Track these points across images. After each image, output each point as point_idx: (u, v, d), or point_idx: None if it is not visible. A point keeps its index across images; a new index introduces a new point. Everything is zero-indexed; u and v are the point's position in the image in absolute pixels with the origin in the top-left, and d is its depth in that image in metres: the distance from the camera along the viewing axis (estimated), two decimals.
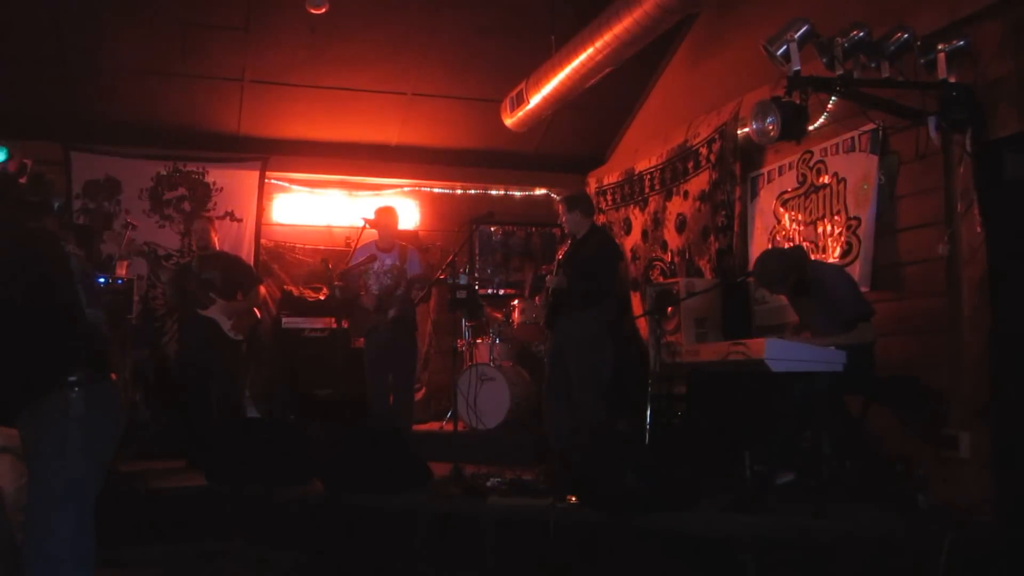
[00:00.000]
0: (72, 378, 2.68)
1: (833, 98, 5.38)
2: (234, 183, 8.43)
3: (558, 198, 6.49)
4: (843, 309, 4.84)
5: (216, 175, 8.40)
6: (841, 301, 4.86)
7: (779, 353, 4.51)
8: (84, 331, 2.83)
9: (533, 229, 9.49)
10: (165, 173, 8.29)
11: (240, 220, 8.38)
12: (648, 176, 8.02)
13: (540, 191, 8.64)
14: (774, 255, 5.22)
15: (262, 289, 7.10)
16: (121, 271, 7.51)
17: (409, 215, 9.13)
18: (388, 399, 6.66)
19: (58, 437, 2.64)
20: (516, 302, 7.86)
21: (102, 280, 7.30)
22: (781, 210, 6.29)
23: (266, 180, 8.52)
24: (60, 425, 2.64)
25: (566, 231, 6.27)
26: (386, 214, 6.80)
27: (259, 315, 6.98)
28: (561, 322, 6.08)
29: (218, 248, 7.08)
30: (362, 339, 6.81)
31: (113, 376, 2.85)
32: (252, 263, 8.18)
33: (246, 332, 6.77)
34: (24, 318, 2.67)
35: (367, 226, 6.72)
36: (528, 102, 7.59)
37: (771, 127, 4.53)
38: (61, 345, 2.73)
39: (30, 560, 2.59)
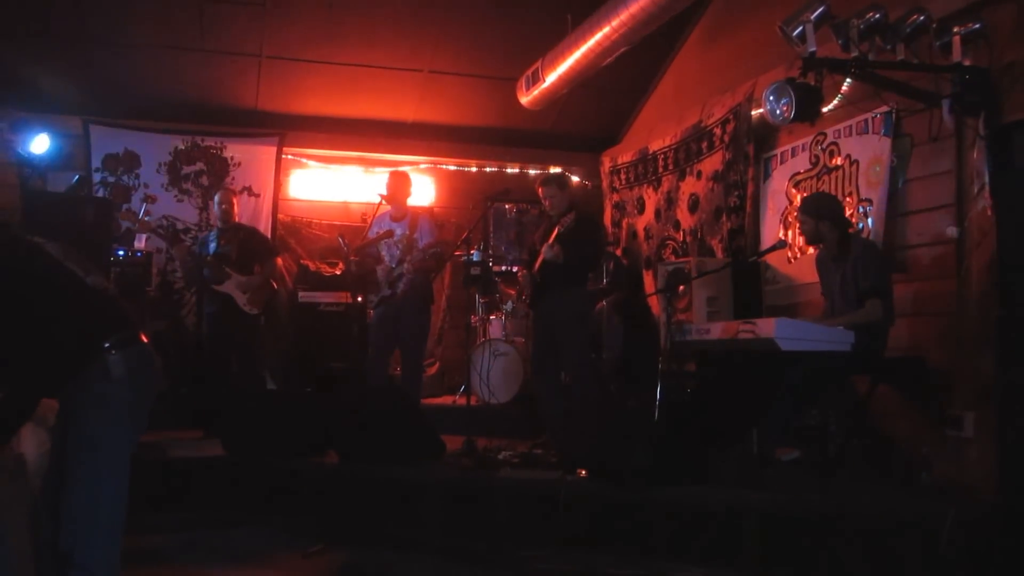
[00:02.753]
0: (107, 344, 2.74)
1: (848, 80, 5.37)
2: (252, 158, 8.49)
3: (539, 179, 6.48)
4: (861, 279, 4.86)
5: (234, 150, 8.46)
6: (863, 271, 4.86)
7: (788, 332, 4.53)
8: (97, 300, 2.87)
9: (539, 210, 9.52)
10: (183, 147, 8.36)
11: (258, 195, 8.45)
12: (662, 156, 8.04)
13: (555, 169, 8.67)
14: (832, 197, 5.46)
15: (279, 261, 7.14)
16: (140, 244, 7.61)
17: (425, 192, 9.16)
18: (387, 372, 6.69)
19: (103, 401, 2.69)
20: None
21: (121, 253, 7.40)
22: (793, 191, 6.31)
23: (283, 156, 8.58)
24: (104, 389, 2.70)
25: (550, 210, 6.22)
26: (397, 178, 6.76)
27: (275, 287, 7.04)
28: (549, 300, 6.10)
29: (236, 220, 7.11)
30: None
31: (144, 338, 2.89)
32: (270, 238, 8.25)
33: (262, 305, 6.83)
34: (34, 316, 2.71)
35: (383, 202, 6.74)
36: (544, 80, 7.60)
37: (785, 108, 4.53)
38: (83, 319, 2.77)
39: (72, 520, 2.63)
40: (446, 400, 7.86)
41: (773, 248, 5.66)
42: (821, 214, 5.05)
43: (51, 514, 2.70)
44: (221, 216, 6.98)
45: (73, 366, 2.69)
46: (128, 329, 2.84)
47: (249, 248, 6.89)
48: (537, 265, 6.13)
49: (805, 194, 6.11)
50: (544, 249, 6.05)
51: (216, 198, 7.10)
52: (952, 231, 4.79)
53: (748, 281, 6.50)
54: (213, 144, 8.43)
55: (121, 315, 2.89)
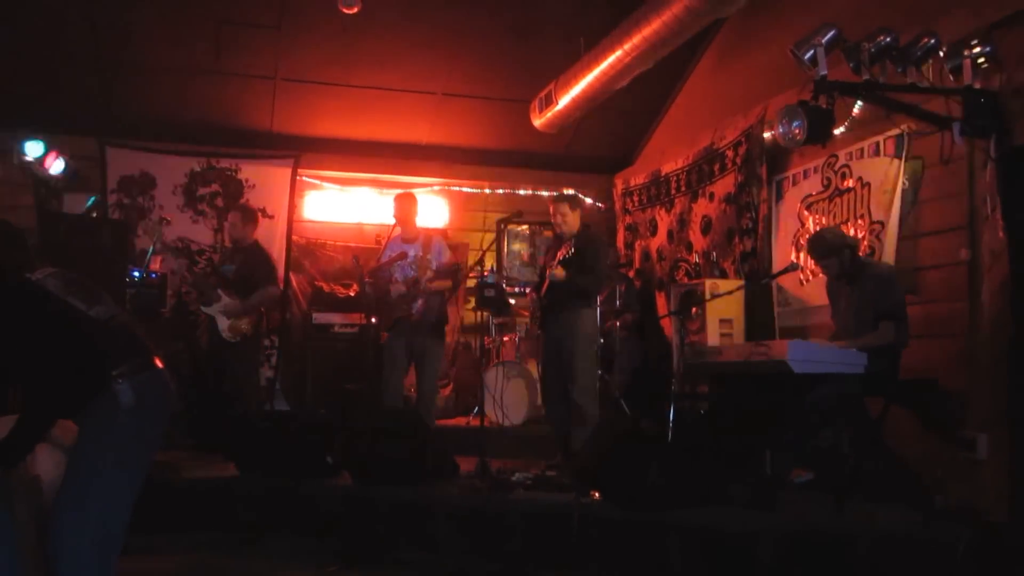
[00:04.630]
0: (116, 373, 2.82)
1: (859, 103, 5.40)
2: (266, 180, 8.53)
3: (552, 198, 6.52)
4: (876, 303, 4.87)
5: (249, 172, 8.51)
6: (878, 294, 4.88)
7: (801, 355, 4.55)
8: (101, 331, 2.93)
9: (554, 232, 9.54)
10: (199, 169, 8.42)
11: (272, 217, 8.48)
12: (674, 178, 8.06)
13: (568, 191, 8.70)
14: (831, 228, 5.49)
15: (272, 290, 7.07)
16: (155, 266, 7.66)
17: (438, 213, 9.20)
18: (401, 393, 6.69)
19: (108, 428, 2.78)
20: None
21: (136, 274, 7.45)
22: (806, 213, 6.32)
23: (298, 177, 8.61)
24: (111, 417, 2.78)
25: (562, 231, 6.27)
26: (403, 200, 6.76)
27: (263, 312, 6.93)
28: (557, 321, 6.13)
29: (252, 240, 7.02)
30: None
31: (159, 362, 2.96)
32: (284, 259, 8.30)
33: (242, 335, 6.73)
34: (37, 356, 2.79)
35: (396, 223, 6.79)
36: (557, 103, 7.64)
37: (797, 131, 4.56)
38: (86, 354, 2.85)
39: (61, 543, 2.71)
40: (460, 421, 7.84)
41: (786, 270, 5.68)
42: (835, 248, 5.09)
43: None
44: (230, 232, 7.00)
45: (79, 398, 2.77)
46: (139, 356, 2.91)
47: (248, 272, 6.82)
48: (544, 287, 6.15)
49: (818, 216, 6.13)
50: (549, 273, 6.10)
51: (230, 218, 7.11)
52: (964, 253, 4.81)
53: (761, 303, 6.52)
54: (228, 166, 8.49)
55: (131, 343, 2.96)
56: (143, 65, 7.78)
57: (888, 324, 4.79)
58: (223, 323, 6.66)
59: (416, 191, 7.80)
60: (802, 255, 6.28)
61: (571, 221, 6.20)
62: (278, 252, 8.29)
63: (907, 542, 4.18)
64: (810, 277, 6.23)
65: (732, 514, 4.53)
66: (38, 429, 2.78)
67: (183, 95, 8.12)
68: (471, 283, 7.94)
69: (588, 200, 9.06)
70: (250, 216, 7.07)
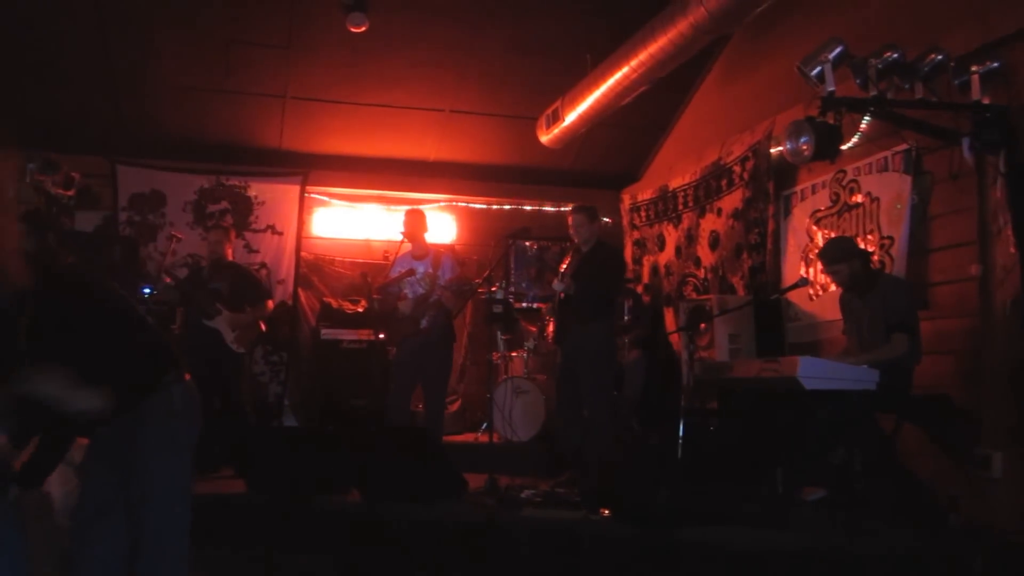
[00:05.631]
0: (167, 377, 2.80)
1: (867, 118, 5.38)
2: (275, 197, 8.53)
3: (571, 208, 6.51)
4: (888, 314, 4.82)
5: (258, 189, 8.51)
6: (892, 305, 4.83)
7: (812, 371, 4.50)
8: (156, 335, 2.94)
9: (568, 244, 9.52)
10: (208, 187, 8.43)
11: (281, 233, 8.49)
12: (682, 193, 8.04)
13: (588, 206, 8.71)
14: (845, 236, 5.48)
15: (270, 304, 7.06)
16: (166, 282, 7.64)
17: (446, 230, 9.18)
18: (409, 409, 6.65)
19: (168, 436, 2.76)
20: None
21: (147, 291, 7.44)
22: (814, 228, 6.29)
23: (306, 194, 8.61)
24: (167, 424, 2.76)
25: (576, 241, 6.29)
26: (412, 216, 6.75)
27: (264, 329, 6.93)
28: (572, 336, 6.10)
29: (231, 259, 7.03)
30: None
31: (188, 375, 2.94)
32: (293, 275, 8.29)
33: (248, 345, 6.77)
34: (109, 340, 2.77)
35: (405, 240, 6.77)
36: (563, 120, 7.63)
37: (805, 147, 4.55)
38: (151, 350, 2.84)
39: (150, 556, 2.69)
40: (468, 438, 7.82)
41: (795, 286, 5.63)
42: (846, 255, 5.04)
43: (86, 552, 2.70)
44: (210, 254, 6.93)
45: (139, 392, 2.74)
46: (181, 366, 2.90)
47: (240, 288, 6.81)
48: (558, 300, 6.14)
49: (826, 231, 6.09)
50: (555, 282, 6.06)
51: (210, 236, 7.08)
52: (975, 269, 4.75)
53: (770, 318, 6.48)
54: (237, 183, 8.49)
55: (175, 351, 2.96)
56: (154, 84, 7.79)
57: (901, 336, 4.73)
58: (229, 335, 6.63)
59: (424, 207, 7.80)
60: (811, 270, 6.26)
61: (586, 233, 6.19)
62: (287, 268, 8.31)
63: (921, 562, 4.12)
64: (820, 292, 6.19)
65: (743, 532, 4.48)
66: (92, 416, 2.69)
67: (193, 113, 8.13)
68: (479, 299, 7.89)
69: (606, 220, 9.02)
70: (230, 236, 7.10)
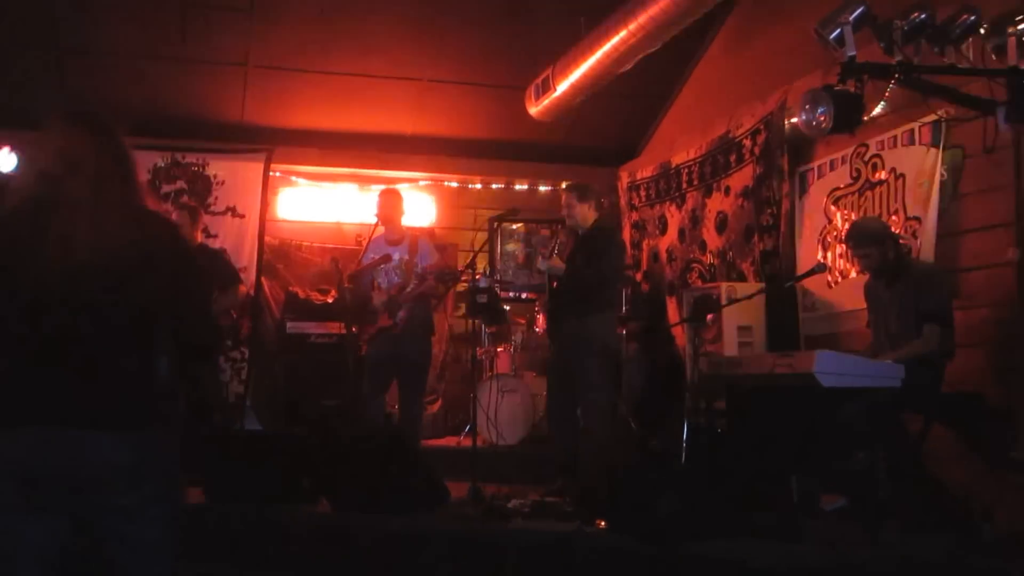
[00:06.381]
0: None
1: (891, 86, 5.31)
2: (236, 176, 8.42)
3: (564, 186, 6.46)
4: (919, 303, 4.78)
5: (217, 167, 8.39)
6: (922, 293, 4.80)
7: (830, 367, 4.45)
8: None
9: (559, 227, 9.46)
10: (163, 165, 8.31)
11: (243, 216, 8.37)
12: (686, 170, 8.02)
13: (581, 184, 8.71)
14: (874, 217, 5.48)
15: (242, 289, 7.03)
16: None
17: (425, 211, 9.17)
18: (383, 410, 6.63)
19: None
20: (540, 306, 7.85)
21: None
22: (832, 208, 6.27)
23: (271, 173, 8.50)
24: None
25: (569, 223, 6.24)
26: (387, 197, 6.71)
27: (235, 316, 6.91)
28: (566, 328, 6.05)
29: (199, 241, 6.94)
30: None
31: None
32: (255, 262, 8.21)
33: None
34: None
35: (379, 223, 6.70)
36: (555, 89, 7.59)
37: (822, 118, 4.49)
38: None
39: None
40: (449, 441, 7.82)
41: (811, 272, 5.59)
42: (878, 238, 5.00)
43: None
44: None
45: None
46: None
47: (216, 274, 6.73)
48: (552, 288, 6.11)
49: (846, 211, 6.06)
50: (539, 260, 6.02)
51: (174, 216, 6.91)
52: (1012, 252, 4.71)
53: (784, 308, 6.48)
54: (195, 161, 8.37)
55: None
56: (103, 53, 7.73)
57: (932, 328, 4.70)
58: None
59: (401, 187, 7.73)
60: (830, 254, 6.26)
61: (579, 214, 6.13)
62: (249, 254, 8.22)
63: None
64: (839, 279, 6.18)
65: (754, 546, 4.44)
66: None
67: (146, 83, 8.04)
68: (461, 288, 7.83)
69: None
70: (196, 216, 7.00)
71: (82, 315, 2.32)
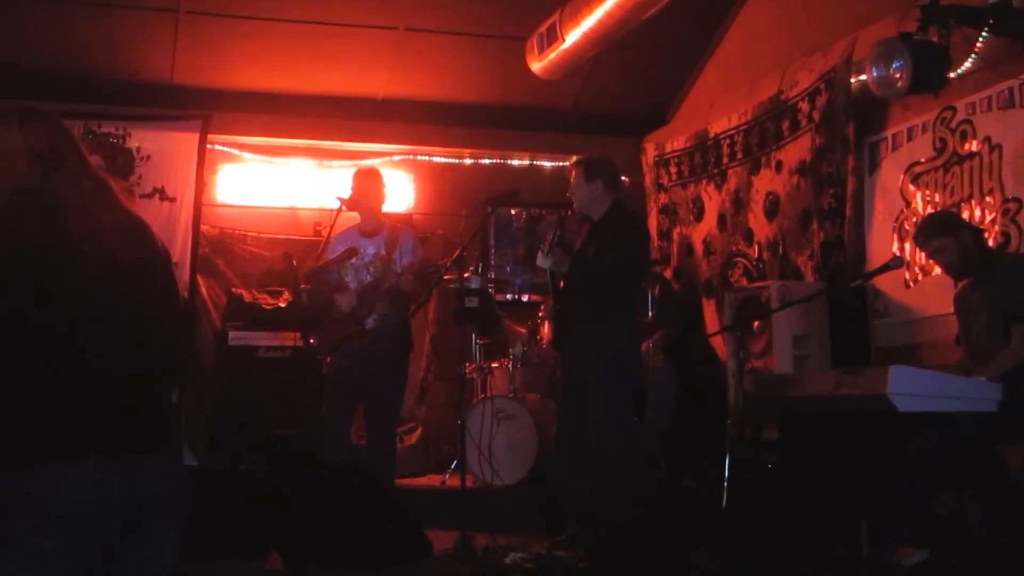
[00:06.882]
0: None
1: (984, 34, 5.33)
2: (165, 149, 8.45)
3: (572, 161, 6.46)
4: (1009, 303, 4.80)
5: (141, 138, 8.41)
6: (1011, 289, 4.81)
7: (908, 386, 4.45)
8: None
9: (568, 212, 9.47)
10: (74, 135, 8.31)
11: (173, 199, 8.39)
12: (727, 141, 8.04)
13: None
14: (945, 210, 5.55)
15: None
16: None
17: (401, 193, 9.16)
18: (349, 441, 6.67)
19: None
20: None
21: None
22: (911, 188, 6.29)
23: (209, 145, 8.54)
24: None
25: (578, 208, 6.28)
26: (365, 178, 6.73)
27: None
28: (575, 338, 6.06)
29: None
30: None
31: None
32: (189, 257, 8.21)
33: None
34: None
35: (344, 207, 6.70)
36: (563, 40, 7.57)
37: (898, 75, 4.54)
38: None
39: None
40: (432, 480, 7.84)
41: (885, 268, 5.57)
42: (950, 226, 5.01)
43: None
44: None
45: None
46: None
47: None
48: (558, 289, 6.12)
49: (928, 191, 6.08)
50: (539, 256, 6.05)
51: None
52: None
53: (850, 314, 6.51)
54: (113, 131, 8.39)
55: None
56: None
57: (1020, 330, 4.72)
58: None
59: (371, 163, 7.72)
60: (907, 246, 6.26)
61: (587, 195, 6.13)
62: (181, 248, 8.24)
63: None
64: (919, 276, 6.21)
65: None
66: None
67: (52, 34, 8.08)
68: (446, 288, 7.82)
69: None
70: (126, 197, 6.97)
71: (116, 335, 2.56)
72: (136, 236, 2.68)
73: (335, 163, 8.97)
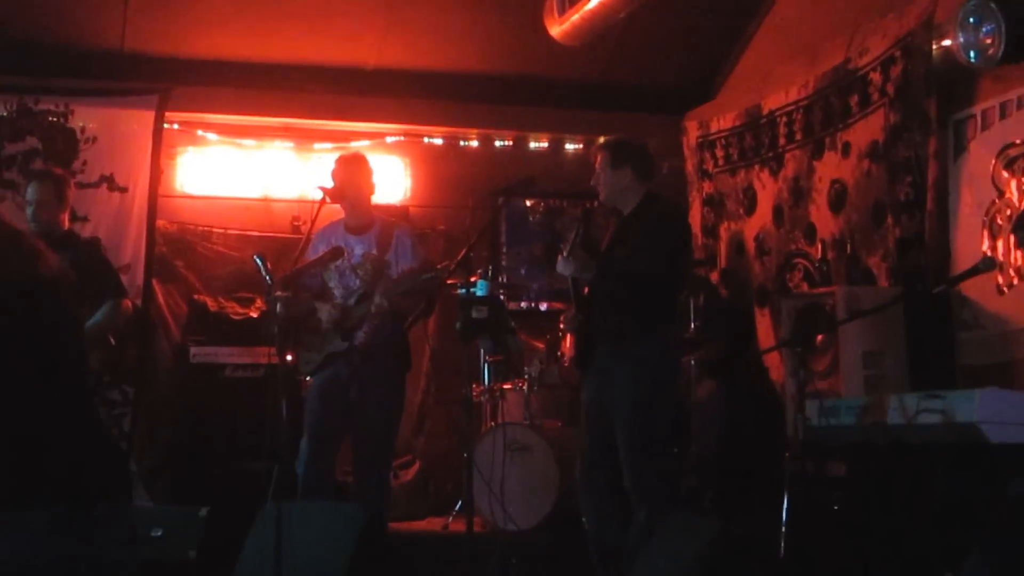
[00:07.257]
0: None
1: None
2: (115, 129, 8.50)
3: (597, 144, 6.45)
4: None
5: (86, 116, 8.47)
6: None
7: (1000, 412, 4.48)
8: None
9: (594, 203, 9.47)
10: (5, 114, 8.38)
11: (124, 189, 8.43)
12: (784, 118, 8.05)
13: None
14: None
15: (126, 304, 7.01)
16: None
17: (394, 182, 9.22)
18: (332, 477, 6.71)
19: None
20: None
21: None
22: (1004, 174, 6.25)
23: (166, 125, 8.59)
24: None
25: (604, 199, 6.31)
26: (351, 165, 6.78)
27: (113, 342, 6.92)
28: (603, 357, 6.09)
29: (67, 227, 6.98)
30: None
31: None
32: (143, 258, 8.23)
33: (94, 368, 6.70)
34: None
35: (327, 199, 6.69)
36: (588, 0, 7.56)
37: (989, 40, 4.52)
38: None
39: None
40: (432, 524, 7.87)
41: (974, 271, 5.55)
42: None
43: None
44: (35, 217, 6.78)
45: None
46: None
47: (86, 277, 6.70)
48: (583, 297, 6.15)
49: None
50: (559, 261, 6.07)
51: (30, 189, 6.93)
52: None
53: (932, 326, 6.48)
54: (53, 107, 8.44)
55: None
56: None
57: None
58: None
59: (359, 145, 7.71)
60: (1000, 244, 6.23)
61: (614, 184, 6.17)
62: (134, 246, 8.27)
63: None
64: (1014, 281, 6.17)
65: None
66: None
67: None
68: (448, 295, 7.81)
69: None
70: (63, 187, 6.97)
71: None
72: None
73: (317, 146, 8.98)
